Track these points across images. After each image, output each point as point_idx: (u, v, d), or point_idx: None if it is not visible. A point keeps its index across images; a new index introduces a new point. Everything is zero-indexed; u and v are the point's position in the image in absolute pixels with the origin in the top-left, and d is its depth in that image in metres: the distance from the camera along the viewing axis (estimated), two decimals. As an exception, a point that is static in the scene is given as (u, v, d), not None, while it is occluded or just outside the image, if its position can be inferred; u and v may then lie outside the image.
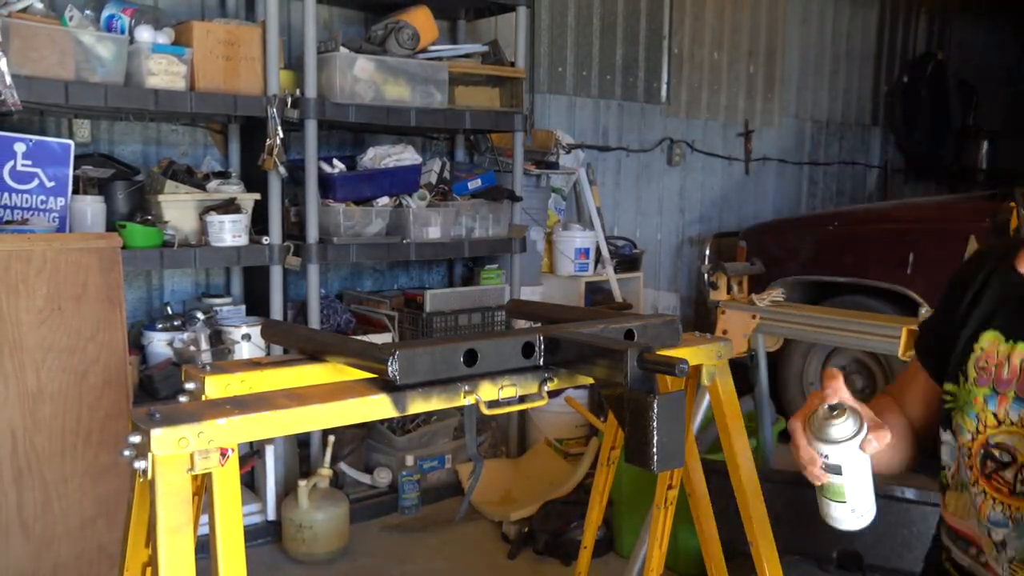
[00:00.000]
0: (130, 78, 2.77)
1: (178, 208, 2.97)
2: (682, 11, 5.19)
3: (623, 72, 4.93)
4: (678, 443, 1.20)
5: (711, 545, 1.78)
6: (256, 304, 3.37)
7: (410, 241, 3.34)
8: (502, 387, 1.30)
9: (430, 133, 3.98)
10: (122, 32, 2.78)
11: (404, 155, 3.45)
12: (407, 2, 3.42)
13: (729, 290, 2.83)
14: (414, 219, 3.35)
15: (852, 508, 1.20)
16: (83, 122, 3.14)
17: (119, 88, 2.72)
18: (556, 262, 4.32)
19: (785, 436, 3.56)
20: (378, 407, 1.20)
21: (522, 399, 1.33)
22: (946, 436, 1.32)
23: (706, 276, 2.85)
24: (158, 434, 1.03)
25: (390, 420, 3.53)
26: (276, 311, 3.16)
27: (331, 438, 3.13)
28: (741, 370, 2.46)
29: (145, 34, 2.76)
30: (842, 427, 1.17)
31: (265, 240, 3.06)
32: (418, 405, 1.23)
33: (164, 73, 2.78)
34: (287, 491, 3.15)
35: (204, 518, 1.15)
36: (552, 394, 1.37)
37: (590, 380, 1.37)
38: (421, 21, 3.31)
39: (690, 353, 1.54)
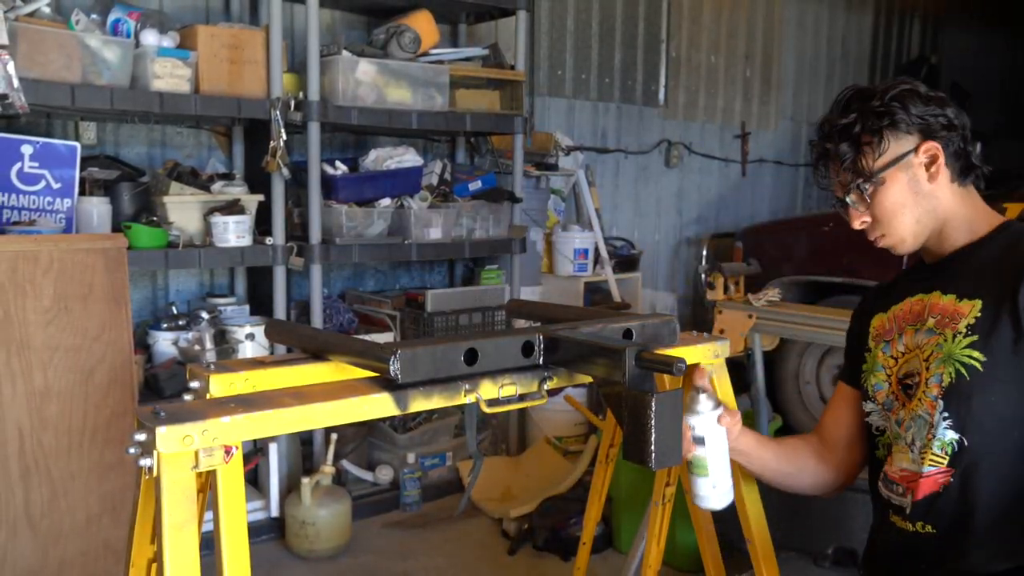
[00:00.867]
0: (135, 81, 2.77)
1: (183, 209, 2.97)
2: (679, 15, 5.20)
3: (621, 75, 4.94)
4: (675, 441, 1.21)
5: (708, 541, 1.78)
6: (260, 304, 3.39)
7: (411, 242, 3.34)
8: (502, 386, 1.30)
9: (431, 135, 3.98)
10: (128, 36, 2.79)
11: (405, 157, 3.46)
12: (409, 6, 3.43)
13: (726, 290, 2.85)
14: (415, 220, 3.35)
15: (713, 484, 1.47)
16: (89, 124, 3.15)
17: (125, 91, 2.72)
18: (555, 262, 4.33)
19: (781, 434, 3.59)
20: (380, 405, 1.20)
21: (522, 397, 1.34)
22: (869, 406, 1.57)
23: (703, 276, 2.87)
24: (163, 432, 1.03)
25: (392, 418, 3.52)
26: (279, 311, 3.16)
27: (333, 436, 3.13)
28: (738, 369, 2.48)
29: (150, 38, 2.77)
30: (704, 402, 1.46)
31: (269, 241, 3.07)
32: (419, 403, 1.23)
33: (169, 76, 2.79)
34: (290, 488, 3.16)
35: (208, 515, 1.16)
36: (551, 392, 1.38)
37: (589, 379, 1.37)
38: (422, 25, 3.32)
39: (687, 352, 1.54)
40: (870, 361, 1.58)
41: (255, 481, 3.29)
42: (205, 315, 3.08)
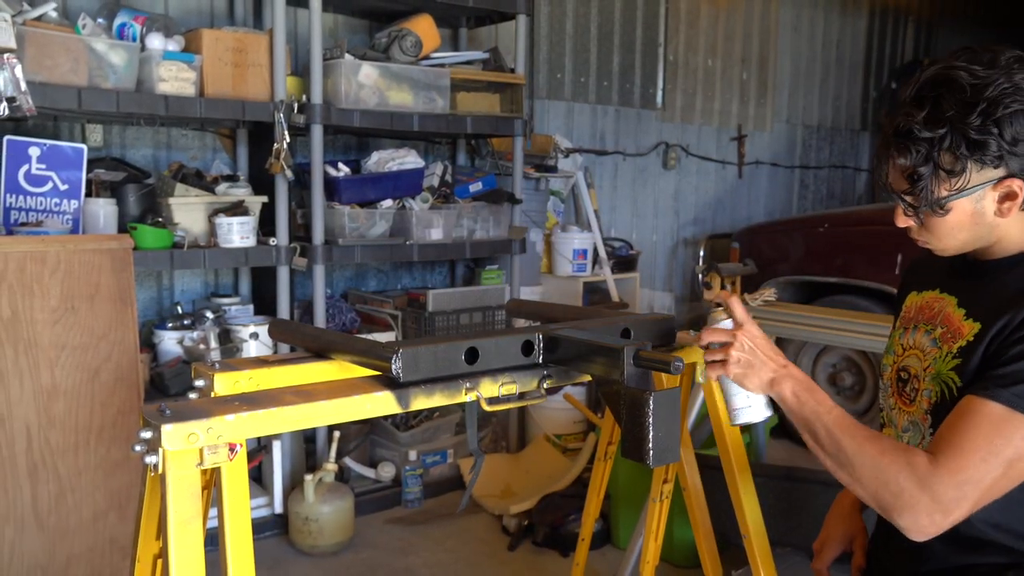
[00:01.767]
0: (141, 84, 2.77)
1: (188, 210, 2.98)
2: (677, 19, 5.21)
3: (620, 78, 4.96)
4: (673, 438, 1.21)
5: (705, 537, 1.80)
6: (264, 304, 3.39)
7: (413, 242, 3.35)
8: (502, 384, 1.30)
9: (432, 137, 3.99)
10: (134, 40, 2.79)
11: (407, 159, 3.46)
12: (410, 10, 3.44)
13: (723, 290, 2.88)
14: (417, 221, 3.36)
15: (748, 394, 1.41)
16: (96, 127, 3.15)
17: (131, 94, 2.72)
18: (555, 263, 4.33)
19: (777, 432, 3.62)
20: (382, 403, 1.21)
21: (522, 396, 1.34)
22: (881, 383, 1.55)
23: (700, 276, 2.88)
24: (169, 430, 1.03)
25: (394, 416, 3.55)
26: (283, 310, 3.17)
27: (336, 434, 3.13)
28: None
29: (156, 42, 2.77)
30: (726, 322, 1.42)
31: (272, 241, 3.07)
32: (421, 401, 1.24)
33: (174, 79, 2.79)
34: (294, 485, 3.17)
35: (213, 511, 1.16)
36: (551, 391, 1.38)
37: (588, 377, 1.39)
38: (424, 29, 3.32)
39: (685, 351, 1.56)
40: (891, 339, 1.55)
41: (259, 478, 3.30)
42: (210, 315, 3.08)
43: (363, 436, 3.56)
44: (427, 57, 3.37)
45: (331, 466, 3.09)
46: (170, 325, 3.11)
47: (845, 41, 6.43)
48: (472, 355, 1.27)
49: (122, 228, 2.83)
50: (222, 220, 2.96)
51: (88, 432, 2.47)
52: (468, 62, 3.55)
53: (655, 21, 5.10)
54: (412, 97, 3.28)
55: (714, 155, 5.56)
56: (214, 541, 1.07)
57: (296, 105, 2.99)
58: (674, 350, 1.56)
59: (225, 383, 1.26)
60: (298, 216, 3.33)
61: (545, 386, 1.36)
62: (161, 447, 1.04)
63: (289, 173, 3.02)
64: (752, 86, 5.76)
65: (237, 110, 2.93)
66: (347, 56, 3.13)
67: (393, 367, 1.20)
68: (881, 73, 6.77)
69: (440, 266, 4.21)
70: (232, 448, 1.09)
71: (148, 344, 3.14)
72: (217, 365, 1.29)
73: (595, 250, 4.41)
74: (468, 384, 1.27)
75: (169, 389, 2.91)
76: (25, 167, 2.70)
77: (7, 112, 2.44)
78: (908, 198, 1.30)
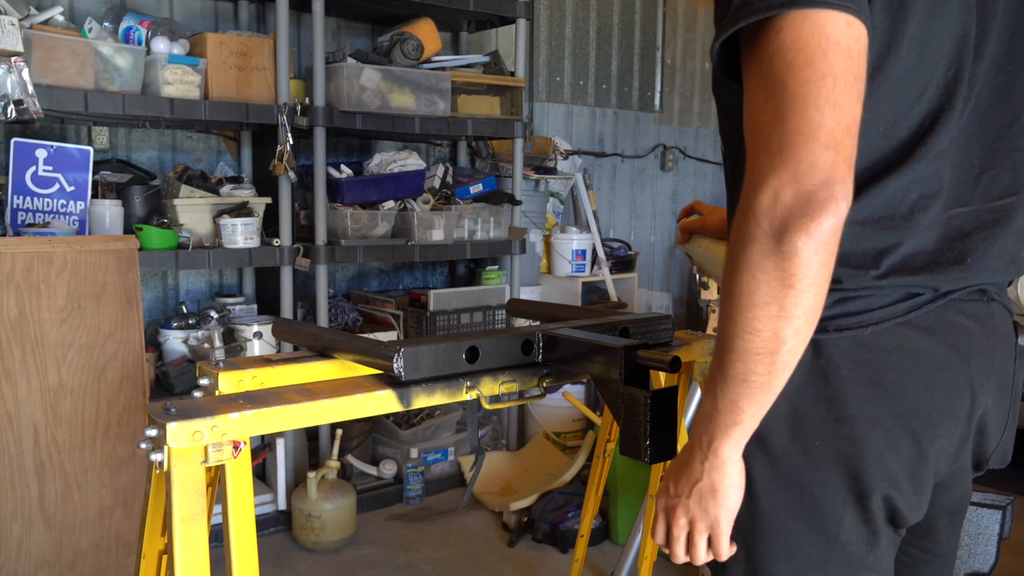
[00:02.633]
0: (147, 87, 2.78)
1: (193, 212, 2.99)
2: (674, 23, 5.22)
3: (618, 81, 4.97)
4: (671, 436, 1.21)
5: None
6: (267, 303, 3.41)
7: (414, 243, 3.35)
8: (502, 383, 1.31)
9: (434, 140, 4.00)
10: (139, 43, 2.80)
11: (409, 161, 3.47)
12: (412, 15, 3.45)
13: (719, 290, 2.89)
14: (418, 222, 3.37)
15: None
16: (102, 129, 3.16)
17: (136, 97, 2.73)
18: (554, 263, 4.34)
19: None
20: (384, 402, 1.21)
21: (521, 394, 1.35)
22: None
23: (697, 277, 2.87)
24: (174, 428, 1.04)
25: (395, 414, 3.56)
26: (286, 310, 3.18)
27: (339, 432, 3.14)
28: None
29: (161, 45, 2.78)
30: None
31: (276, 242, 3.08)
32: (422, 400, 1.24)
33: (179, 82, 2.80)
34: (297, 482, 3.19)
35: (218, 508, 1.16)
36: (550, 389, 1.39)
37: (587, 376, 1.37)
38: (425, 33, 3.33)
39: (682, 350, 1.57)
40: None
41: (263, 475, 3.31)
42: (214, 314, 3.08)
43: (365, 434, 3.58)
44: (428, 60, 3.38)
45: (334, 463, 3.10)
46: (175, 324, 3.12)
47: (842, 44, 6.43)
48: (473, 354, 1.28)
49: (128, 229, 2.84)
50: (226, 221, 2.98)
51: (94, 430, 2.49)
52: (469, 65, 3.56)
53: (653, 25, 5.11)
54: (414, 100, 3.29)
55: (711, 157, 5.56)
56: (219, 537, 1.09)
57: (299, 108, 3.00)
58: (672, 349, 1.56)
59: (229, 382, 1.27)
60: (301, 217, 3.34)
61: (544, 385, 1.36)
62: (166, 445, 1.05)
63: (292, 175, 3.03)
64: (749, 89, 5.77)
65: (241, 113, 2.93)
66: (349, 59, 3.14)
67: (395, 366, 1.20)
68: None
69: (441, 266, 4.22)
70: (236, 446, 1.09)
71: (153, 343, 3.15)
72: (221, 364, 1.30)
73: (594, 251, 4.42)
74: (469, 383, 1.28)
75: (174, 388, 2.92)
76: (32, 169, 2.71)
77: (14, 115, 2.45)
78: None
